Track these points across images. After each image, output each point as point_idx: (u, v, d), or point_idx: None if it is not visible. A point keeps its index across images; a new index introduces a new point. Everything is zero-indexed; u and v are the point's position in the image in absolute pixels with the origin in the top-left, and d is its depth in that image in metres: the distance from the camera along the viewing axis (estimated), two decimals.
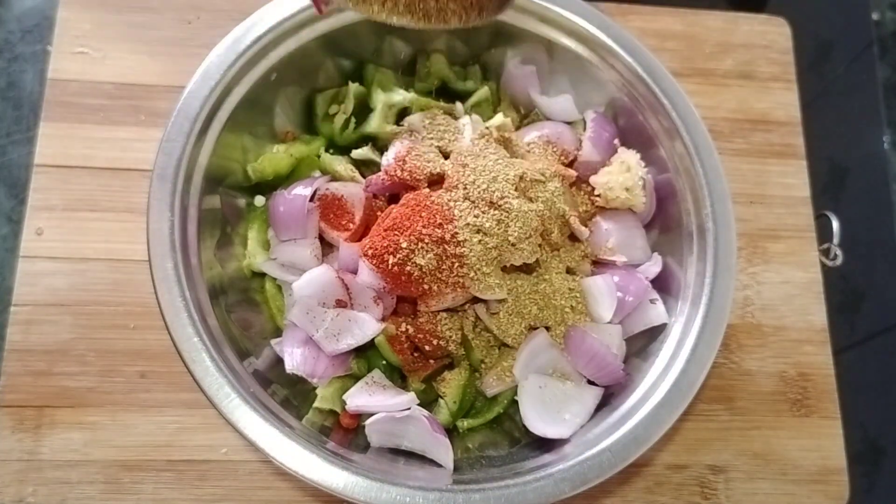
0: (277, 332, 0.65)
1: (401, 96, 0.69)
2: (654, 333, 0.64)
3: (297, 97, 0.70)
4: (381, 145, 0.69)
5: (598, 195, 0.68)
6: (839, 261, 0.76)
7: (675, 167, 0.67)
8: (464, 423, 0.64)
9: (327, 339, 0.59)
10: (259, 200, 0.69)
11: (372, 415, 0.59)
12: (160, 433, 0.65)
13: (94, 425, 0.65)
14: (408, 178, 0.63)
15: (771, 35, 0.86)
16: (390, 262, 0.59)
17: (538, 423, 0.61)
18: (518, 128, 0.72)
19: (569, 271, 0.66)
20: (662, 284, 0.67)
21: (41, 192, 0.70)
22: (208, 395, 0.54)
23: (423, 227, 0.59)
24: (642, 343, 0.65)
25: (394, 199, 0.66)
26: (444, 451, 0.59)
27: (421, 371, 0.63)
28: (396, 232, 0.59)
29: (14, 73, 0.78)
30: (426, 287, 0.60)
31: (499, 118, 0.67)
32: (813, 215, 0.79)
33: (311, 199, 0.66)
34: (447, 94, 0.73)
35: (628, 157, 0.67)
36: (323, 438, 0.58)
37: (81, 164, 0.71)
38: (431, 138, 0.66)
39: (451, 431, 0.64)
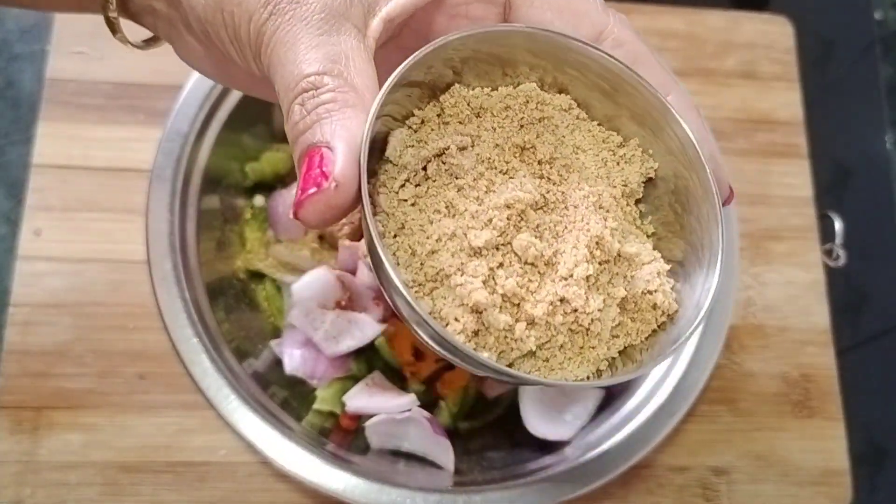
0: (277, 334, 0.65)
1: None
2: None
3: None
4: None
5: None
6: (842, 261, 0.75)
7: None
8: (464, 425, 0.64)
9: (327, 340, 0.59)
10: (258, 200, 0.68)
11: (372, 416, 0.59)
12: (159, 435, 0.65)
13: (92, 427, 0.65)
14: None
15: (773, 34, 0.85)
16: None
17: (539, 424, 0.61)
18: None
19: None
20: None
21: (39, 192, 0.70)
22: (207, 396, 0.54)
23: None
24: None
25: None
26: (444, 453, 0.59)
27: (421, 372, 0.62)
28: None
29: (12, 72, 0.78)
30: None
31: None
32: (816, 215, 0.78)
33: None
34: None
35: None
36: (322, 440, 0.58)
37: (80, 164, 0.71)
38: None
39: (451, 433, 0.63)
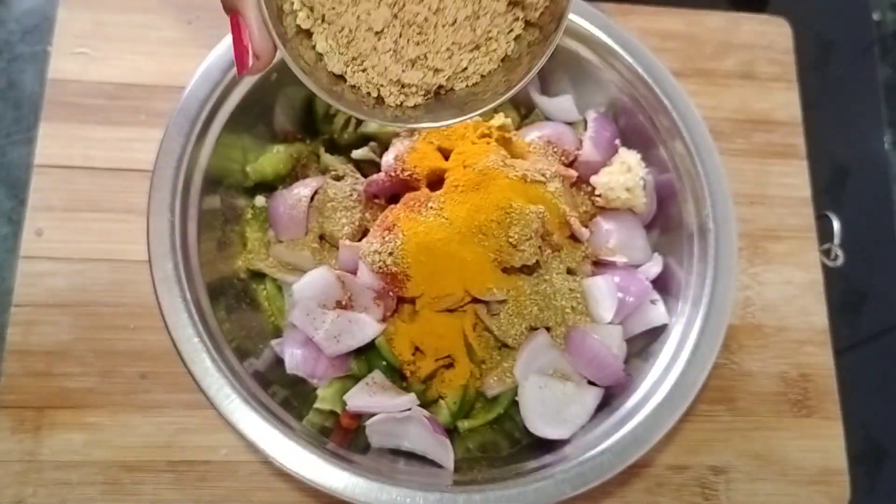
0: (277, 333, 0.65)
1: None
2: (655, 334, 0.64)
3: (298, 97, 0.70)
4: (381, 145, 0.69)
5: (599, 195, 0.68)
6: (840, 261, 0.76)
7: (675, 167, 0.67)
8: (464, 424, 0.64)
9: (327, 340, 0.59)
10: (259, 201, 0.69)
11: (372, 415, 0.59)
12: (160, 434, 0.65)
13: (94, 426, 0.65)
14: (408, 178, 0.63)
15: (772, 35, 0.85)
16: (389, 262, 0.58)
17: (538, 423, 0.61)
18: (518, 128, 0.72)
19: (569, 272, 0.66)
20: (663, 285, 0.67)
21: (41, 192, 0.70)
22: (208, 395, 0.54)
23: (423, 227, 0.59)
24: (643, 344, 0.65)
25: (394, 199, 0.66)
26: (444, 452, 0.59)
27: (421, 371, 0.63)
28: (396, 232, 0.59)
29: (14, 73, 0.78)
30: (426, 288, 0.60)
31: (499, 118, 0.67)
32: (814, 215, 0.79)
33: (312, 199, 0.66)
34: None
35: (629, 158, 0.67)
36: (323, 439, 0.58)
37: (81, 164, 0.71)
38: (432, 138, 0.66)
39: (451, 432, 0.63)
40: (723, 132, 0.81)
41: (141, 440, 0.65)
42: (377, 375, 0.62)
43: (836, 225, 0.76)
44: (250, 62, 0.39)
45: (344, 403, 0.60)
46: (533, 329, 0.64)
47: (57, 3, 0.75)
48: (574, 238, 0.67)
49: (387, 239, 0.59)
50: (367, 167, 0.69)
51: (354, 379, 0.62)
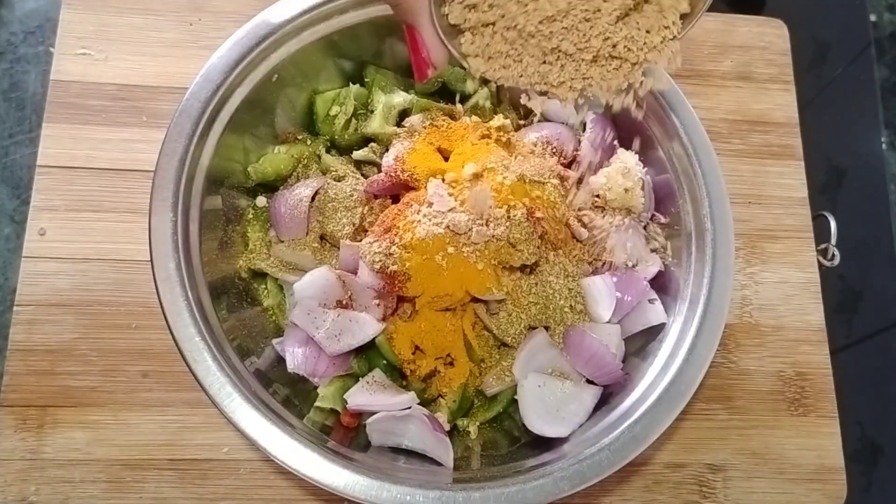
0: (279, 332, 0.66)
1: (401, 97, 0.69)
2: (653, 333, 0.65)
3: (299, 98, 0.71)
4: (381, 146, 0.69)
5: (597, 196, 0.68)
6: (837, 261, 0.76)
7: (673, 168, 0.67)
8: (464, 422, 0.64)
9: (328, 339, 0.59)
10: (260, 201, 0.69)
11: (372, 414, 0.60)
12: (162, 432, 0.66)
13: (96, 424, 0.65)
14: (408, 178, 0.63)
15: (769, 37, 0.86)
16: (389, 262, 0.59)
17: (537, 421, 0.61)
18: (518, 129, 0.73)
19: (568, 272, 0.67)
20: (661, 284, 0.67)
21: (44, 192, 0.70)
22: (210, 394, 0.55)
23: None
24: (641, 342, 0.66)
25: (394, 199, 0.66)
26: (444, 450, 0.59)
27: (421, 370, 0.63)
28: (396, 232, 0.60)
29: (17, 74, 0.79)
30: (425, 287, 0.60)
31: (499, 119, 0.68)
32: (811, 216, 0.79)
33: (313, 200, 0.66)
34: (447, 95, 0.74)
35: (627, 158, 0.67)
36: (324, 437, 0.58)
37: (84, 164, 0.72)
38: (431, 139, 0.66)
39: (450, 430, 0.64)
40: (720, 133, 0.81)
41: (143, 438, 0.65)
42: (377, 374, 0.62)
43: (833, 225, 0.76)
44: (430, 74, 0.44)
45: (344, 402, 0.60)
46: (532, 328, 0.64)
47: (59, 5, 0.76)
48: (573, 238, 0.67)
49: (387, 239, 0.60)
50: (367, 168, 0.70)
51: (355, 377, 0.63)
